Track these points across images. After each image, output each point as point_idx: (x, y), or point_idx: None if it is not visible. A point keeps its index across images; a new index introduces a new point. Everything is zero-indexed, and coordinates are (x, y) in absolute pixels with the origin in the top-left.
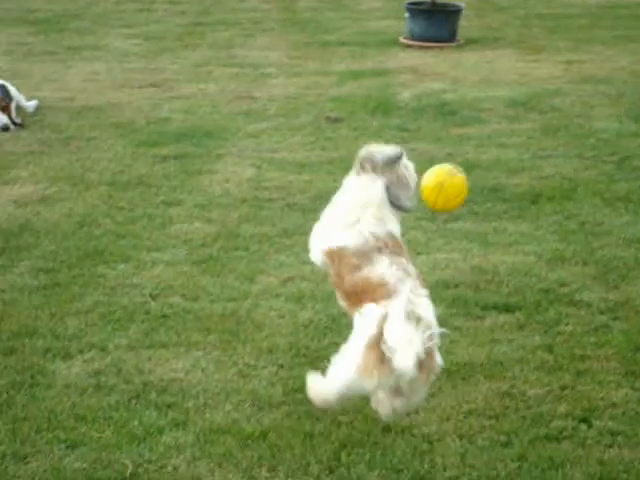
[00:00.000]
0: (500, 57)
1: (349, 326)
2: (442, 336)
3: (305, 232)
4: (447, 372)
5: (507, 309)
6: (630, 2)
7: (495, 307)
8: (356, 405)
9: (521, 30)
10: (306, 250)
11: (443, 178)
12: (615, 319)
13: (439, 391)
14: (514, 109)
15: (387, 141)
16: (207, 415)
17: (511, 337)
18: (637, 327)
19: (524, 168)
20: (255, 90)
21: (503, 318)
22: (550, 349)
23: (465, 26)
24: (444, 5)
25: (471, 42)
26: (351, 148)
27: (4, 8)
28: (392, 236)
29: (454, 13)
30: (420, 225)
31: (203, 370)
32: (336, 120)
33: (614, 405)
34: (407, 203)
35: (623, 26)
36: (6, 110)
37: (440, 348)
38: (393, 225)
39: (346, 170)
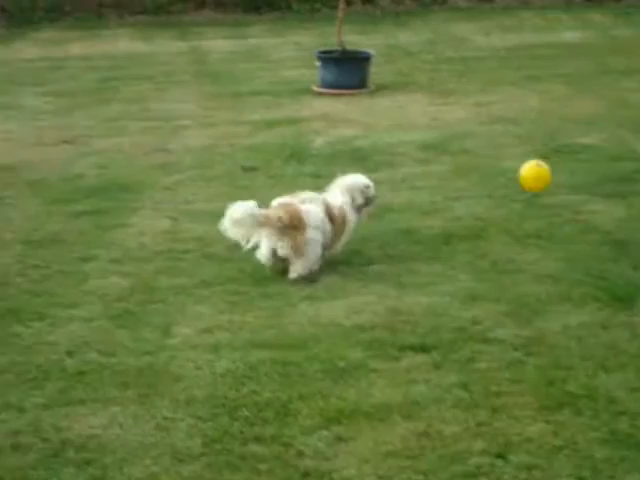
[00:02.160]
0: (411, 102)
1: (268, 374)
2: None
3: (222, 282)
4: (365, 414)
5: (423, 349)
6: (536, 43)
7: (411, 348)
8: (274, 451)
9: (431, 74)
10: (223, 300)
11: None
12: (528, 354)
13: (358, 434)
14: (426, 152)
15: (302, 188)
16: (126, 470)
17: (427, 377)
18: (550, 362)
19: (437, 210)
20: (169, 142)
21: (419, 358)
22: (466, 387)
23: (376, 72)
24: (354, 53)
25: (382, 88)
26: (267, 196)
27: None
28: None
29: (364, 60)
30: (336, 270)
31: (121, 425)
32: (251, 169)
33: (529, 440)
34: None
35: (530, 67)
36: None
37: (358, 391)
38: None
39: None
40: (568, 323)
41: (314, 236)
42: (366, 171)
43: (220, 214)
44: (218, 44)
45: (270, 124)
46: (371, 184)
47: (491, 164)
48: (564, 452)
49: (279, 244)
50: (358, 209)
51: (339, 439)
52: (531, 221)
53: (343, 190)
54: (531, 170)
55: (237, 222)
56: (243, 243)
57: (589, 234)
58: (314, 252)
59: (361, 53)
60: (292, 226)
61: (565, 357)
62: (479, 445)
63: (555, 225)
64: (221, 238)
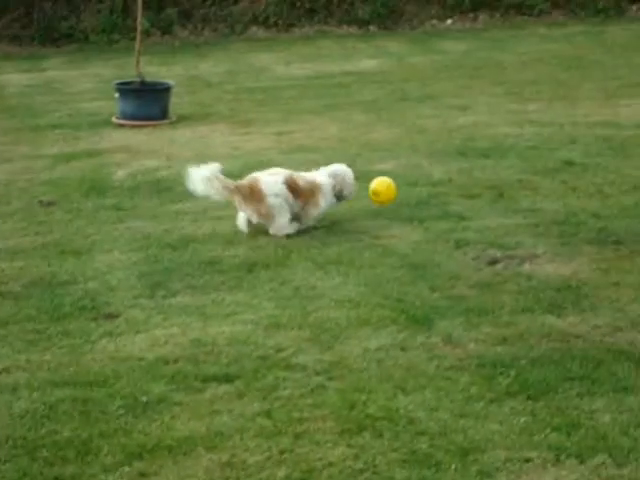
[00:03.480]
0: (213, 132)
1: (68, 413)
2: None
3: (19, 320)
4: (168, 448)
5: (227, 379)
6: (335, 72)
7: (215, 378)
8: None
9: (232, 104)
10: (20, 339)
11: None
12: (330, 379)
13: (161, 468)
14: None
15: (103, 222)
16: None
17: (231, 407)
18: (351, 385)
19: (239, 239)
20: None
21: (223, 388)
22: (269, 415)
23: (177, 103)
24: (153, 84)
25: (184, 119)
26: (66, 231)
27: None
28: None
29: (164, 91)
30: (138, 303)
31: None
32: (49, 204)
33: (331, 464)
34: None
35: (330, 95)
36: None
37: (160, 425)
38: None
39: (62, 254)
40: (368, 346)
41: (274, 202)
42: (169, 202)
43: (19, 250)
44: (14, 78)
45: (69, 157)
46: (352, 184)
47: None
48: (365, 475)
49: (248, 212)
50: (337, 195)
51: (142, 475)
52: (332, 247)
53: (329, 172)
54: (382, 183)
55: (206, 180)
56: (217, 198)
57: (388, 258)
58: (281, 216)
59: (161, 84)
60: (253, 195)
61: (365, 380)
62: (282, 472)
63: (355, 250)
64: (17, 275)
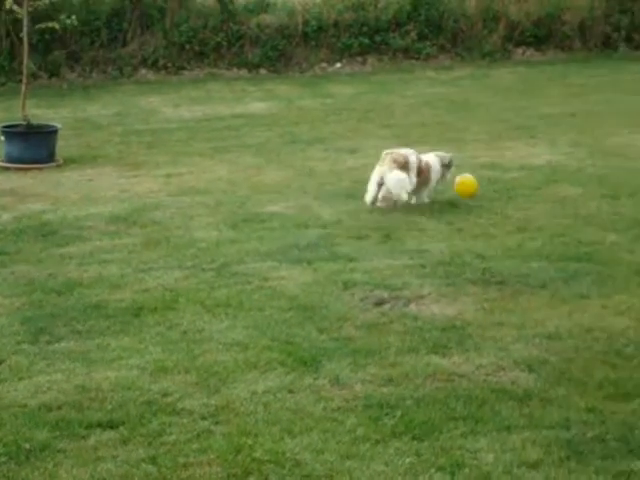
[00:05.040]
0: (101, 175)
1: None
2: None
3: None
4: None
5: (111, 425)
6: (225, 115)
7: (99, 424)
8: None
9: (120, 147)
10: None
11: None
12: (217, 423)
13: None
14: (115, 225)
15: None
16: None
17: (115, 453)
18: (238, 429)
19: (126, 283)
20: None
21: (107, 435)
22: (154, 460)
23: (64, 146)
24: (40, 127)
25: (71, 161)
26: None
27: None
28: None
29: (50, 134)
30: (21, 349)
31: None
32: None
33: None
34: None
35: (219, 138)
36: None
37: (44, 473)
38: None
39: None
40: (255, 389)
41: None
42: (55, 246)
43: None
44: None
45: None
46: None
47: (181, 235)
48: None
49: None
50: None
51: None
52: (221, 290)
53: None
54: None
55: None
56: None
57: (277, 300)
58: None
59: (47, 127)
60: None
61: (252, 424)
62: None
63: (244, 293)
64: None
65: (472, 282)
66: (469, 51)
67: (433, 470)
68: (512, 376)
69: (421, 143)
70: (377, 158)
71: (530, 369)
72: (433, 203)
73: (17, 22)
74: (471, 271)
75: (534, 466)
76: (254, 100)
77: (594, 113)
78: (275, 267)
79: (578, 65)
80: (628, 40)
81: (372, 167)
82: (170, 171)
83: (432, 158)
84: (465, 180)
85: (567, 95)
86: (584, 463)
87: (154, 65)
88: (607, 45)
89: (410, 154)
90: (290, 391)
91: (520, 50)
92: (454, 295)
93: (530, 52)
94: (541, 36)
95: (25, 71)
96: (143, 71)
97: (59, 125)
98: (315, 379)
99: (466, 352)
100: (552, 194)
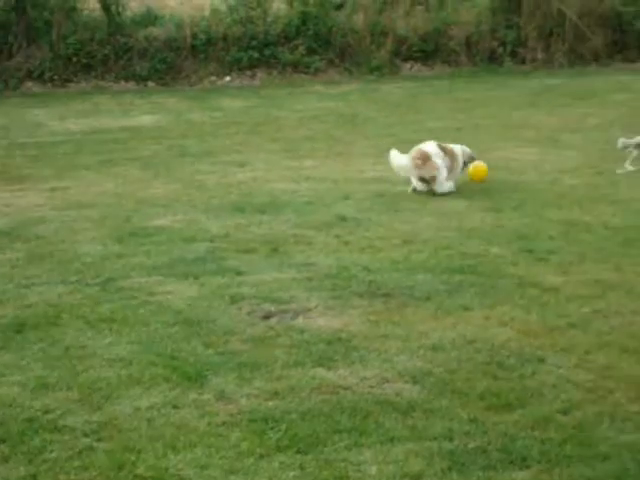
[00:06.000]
0: None
1: None
2: None
3: None
4: None
5: None
6: (112, 127)
7: None
8: None
9: (4, 160)
10: None
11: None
12: (99, 440)
13: None
14: None
15: None
16: None
17: None
18: (120, 446)
19: (8, 299)
20: None
21: None
22: (35, 478)
23: None
24: None
25: None
26: None
27: None
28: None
29: None
30: None
31: None
32: None
33: None
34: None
35: (106, 151)
36: None
37: None
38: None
39: None
40: (139, 405)
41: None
42: None
43: None
44: None
45: None
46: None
47: (66, 249)
48: None
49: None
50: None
51: None
52: (105, 305)
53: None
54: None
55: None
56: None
57: (163, 315)
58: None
59: None
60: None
61: (135, 440)
62: None
63: (129, 308)
64: None
65: (358, 295)
66: (357, 66)
67: None
68: (396, 388)
69: (310, 157)
70: (266, 171)
71: (414, 380)
72: (323, 216)
73: None
74: (357, 284)
75: (416, 477)
76: (142, 113)
77: (480, 127)
78: (161, 281)
79: (464, 80)
80: (513, 55)
81: (261, 180)
82: (55, 185)
83: (458, 149)
84: (479, 166)
85: (453, 110)
86: (466, 474)
87: (40, 77)
88: (493, 60)
89: (432, 147)
90: (174, 406)
91: (408, 65)
92: (340, 308)
93: (418, 67)
94: (428, 51)
95: None
96: (29, 84)
97: None
98: (200, 394)
99: (351, 365)
100: (437, 207)
